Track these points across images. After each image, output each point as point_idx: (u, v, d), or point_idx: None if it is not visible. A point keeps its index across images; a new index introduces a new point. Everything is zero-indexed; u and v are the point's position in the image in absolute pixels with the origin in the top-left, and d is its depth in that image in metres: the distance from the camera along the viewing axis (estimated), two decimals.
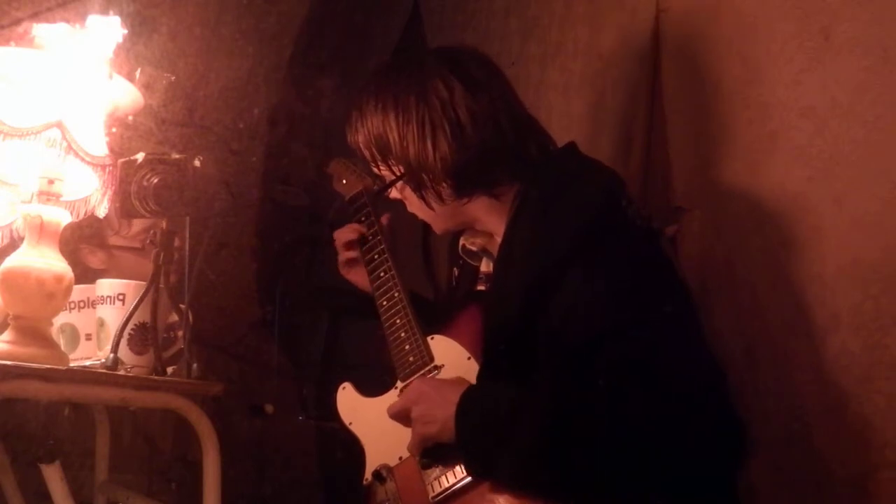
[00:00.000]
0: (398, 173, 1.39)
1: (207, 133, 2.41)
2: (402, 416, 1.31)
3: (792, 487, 1.31)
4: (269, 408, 2.16)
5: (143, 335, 1.56)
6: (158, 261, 1.55)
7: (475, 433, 1.20)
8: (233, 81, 2.47)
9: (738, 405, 1.14)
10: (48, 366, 1.35)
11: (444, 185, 1.35)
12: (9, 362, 1.32)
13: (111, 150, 1.51)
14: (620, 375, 1.13)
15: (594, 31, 1.88)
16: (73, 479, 1.57)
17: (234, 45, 2.48)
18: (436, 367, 1.35)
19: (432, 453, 1.28)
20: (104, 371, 1.48)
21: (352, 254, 1.57)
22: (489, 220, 1.40)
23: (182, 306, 1.60)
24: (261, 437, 2.43)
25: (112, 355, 1.50)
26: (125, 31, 1.51)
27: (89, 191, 1.51)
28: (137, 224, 1.92)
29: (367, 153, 1.41)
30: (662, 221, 1.55)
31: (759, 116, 1.43)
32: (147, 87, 2.05)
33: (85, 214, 1.51)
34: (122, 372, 1.51)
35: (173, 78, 2.18)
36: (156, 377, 1.53)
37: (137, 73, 1.92)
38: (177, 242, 1.60)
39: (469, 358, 1.33)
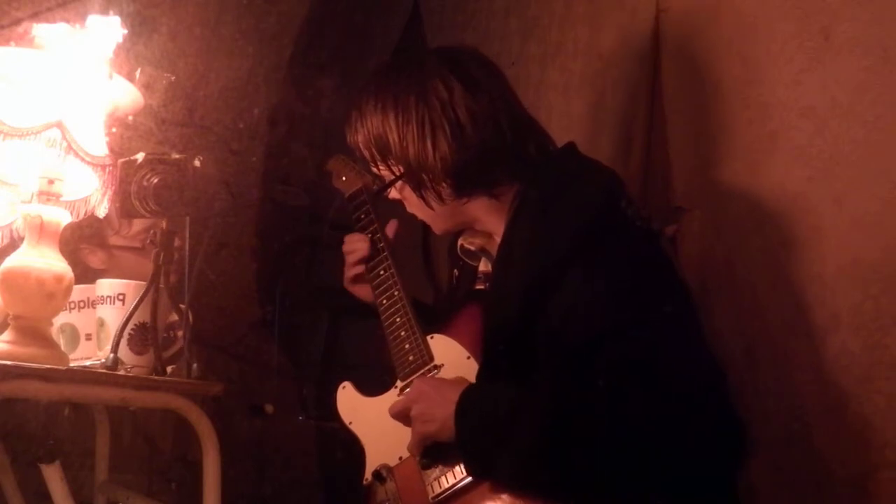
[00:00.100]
0: (398, 173, 1.39)
1: (207, 133, 2.41)
2: (402, 415, 1.31)
3: (792, 487, 1.31)
4: (269, 408, 2.16)
5: (143, 335, 1.56)
6: (158, 261, 1.55)
7: (474, 432, 1.20)
8: (233, 81, 2.47)
9: (738, 405, 1.14)
10: (48, 366, 1.35)
11: (443, 184, 1.35)
12: (9, 362, 1.32)
13: (111, 150, 1.51)
14: (620, 375, 1.13)
15: (594, 31, 1.88)
16: (73, 479, 1.57)
17: (234, 45, 2.47)
18: (435, 367, 1.35)
19: (432, 453, 1.28)
20: (104, 371, 1.48)
21: (360, 269, 1.56)
22: (488, 220, 1.40)
23: (182, 306, 1.60)
24: (261, 437, 2.43)
25: (112, 355, 1.50)
26: (125, 31, 1.51)
27: (89, 191, 1.50)
28: (138, 224, 1.92)
29: (366, 153, 1.41)
30: (662, 221, 1.55)
31: (759, 116, 1.43)
32: (147, 87, 2.05)
33: (85, 214, 1.51)
34: (122, 372, 1.51)
35: (173, 78, 2.18)
36: (156, 377, 1.53)
37: (137, 73, 1.92)
38: (177, 242, 1.60)
39: (469, 357, 1.33)
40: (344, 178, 1.65)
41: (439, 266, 2.12)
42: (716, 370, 1.16)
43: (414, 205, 1.43)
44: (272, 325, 2.33)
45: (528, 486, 1.17)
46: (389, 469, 1.35)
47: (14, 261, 1.41)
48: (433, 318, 1.45)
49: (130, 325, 1.54)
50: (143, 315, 1.55)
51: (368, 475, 1.37)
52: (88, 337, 1.66)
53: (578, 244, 1.22)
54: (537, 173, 1.34)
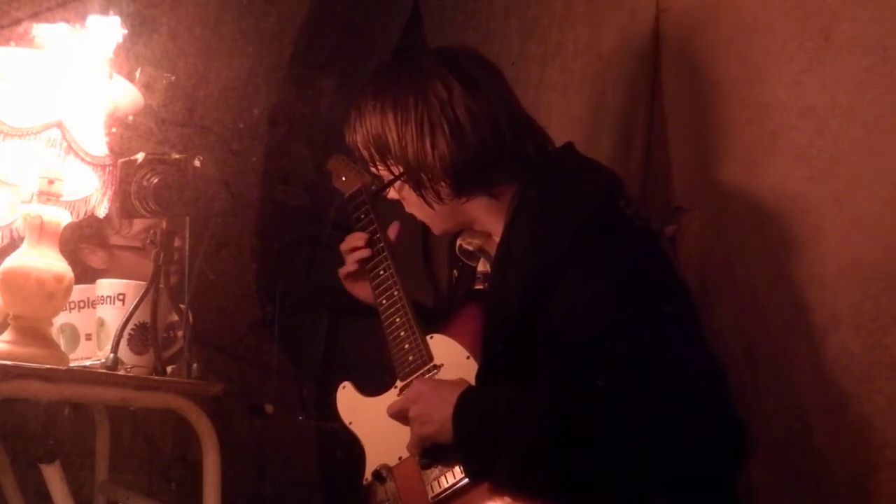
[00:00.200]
0: (397, 173, 1.39)
1: (207, 133, 2.41)
2: (401, 415, 1.31)
3: (792, 487, 1.31)
4: (269, 408, 2.16)
5: (143, 335, 1.56)
6: (158, 261, 1.55)
7: (473, 434, 1.20)
8: (233, 81, 2.47)
9: (738, 405, 1.14)
10: (48, 366, 1.35)
11: (442, 184, 1.35)
12: (9, 362, 1.32)
13: (111, 150, 1.51)
14: (620, 375, 1.13)
15: (594, 31, 1.88)
16: (73, 479, 1.57)
17: (234, 45, 2.47)
18: (435, 367, 1.35)
19: (432, 453, 1.28)
20: (104, 371, 1.48)
21: (355, 266, 1.56)
22: (487, 220, 1.40)
23: (182, 306, 1.60)
24: (261, 437, 2.42)
25: (112, 355, 1.50)
26: (125, 31, 1.51)
27: (89, 191, 1.50)
28: (138, 224, 1.92)
29: (365, 153, 1.41)
30: (662, 221, 1.55)
31: (759, 116, 1.43)
32: (147, 87, 2.05)
33: (85, 214, 1.51)
34: (122, 372, 1.51)
35: (173, 78, 2.17)
36: (156, 377, 1.53)
37: (137, 73, 1.91)
38: (177, 242, 1.60)
39: (468, 357, 1.33)
40: (344, 178, 1.65)
41: (439, 266, 2.12)
42: (716, 370, 1.16)
43: (413, 205, 1.43)
44: (272, 325, 2.33)
45: (526, 487, 1.17)
46: (389, 469, 1.35)
47: (14, 261, 1.41)
48: (432, 320, 1.45)
49: (130, 325, 1.54)
50: (143, 315, 1.55)
51: (368, 475, 1.37)
52: (88, 337, 1.66)
53: (577, 244, 1.22)
54: (536, 173, 1.34)
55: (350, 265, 1.56)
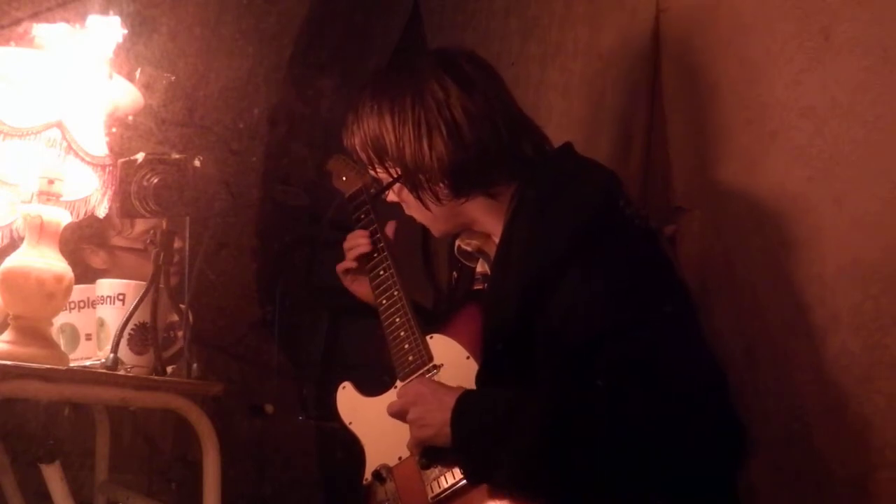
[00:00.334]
0: (395, 175, 1.39)
1: (207, 133, 2.41)
2: (401, 415, 1.31)
3: (792, 487, 1.31)
4: (269, 408, 2.16)
5: (143, 335, 1.56)
6: (158, 261, 1.55)
7: (471, 437, 1.20)
8: (233, 81, 2.47)
9: (738, 405, 1.14)
10: (48, 366, 1.35)
11: (441, 185, 1.35)
12: (9, 362, 1.32)
13: (111, 150, 1.51)
14: (620, 375, 1.13)
15: (594, 31, 1.88)
16: (73, 479, 1.57)
17: (234, 45, 2.47)
18: (435, 367, 1.35)
19: (431, 453, 1.28)
20: (104, 371, 1.48)
21: (354, 264, 1.56)
22: (487, 220, 1.40)
23: (182, 306, 1.60)
24: (261, 437, 2.42)
25: (112, 355, 1.50)
26: (125, 31, 1.51)
27: (89, 191, 1.50)
28: (140, 225, 1.92)
29: (363, 156, 1.41)
30: (662, 221, 1.55)
31: (759, 116, 1.43)
32: (147, 87, 2.05)
33: (85, 214, 1.51)
34: (122, 372, 1.51)
35: (173, 78, 2.18)
36: (156, 377, 1.53)
37: (137, 73, 1.91)
38: (177, 243, 1.60)
39: (468, 357, 1.33)
40: (344, 178, 1.65)
41: (439, 267, 2.12)
42: (716, 370, 1.16)
43: (412, 207, 1.43)
44: (272, 325, 2.32)
45: (525, 491, 1.17)
46: (389, 469, 1.35)
47: (14, 261, 1.41)
48: (432, 321, 1.45)
49: (130, 325, 1.54)
50: (143, 315, 1.55)
51: (368, 475, 1.37)
52: (88, 337, 1.66)
53: (577, 244, 1.22)
54: (535, 173, 1.34)
55: (348, 261, 1.56)
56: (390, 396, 1.39)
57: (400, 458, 1.34)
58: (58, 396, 1.41)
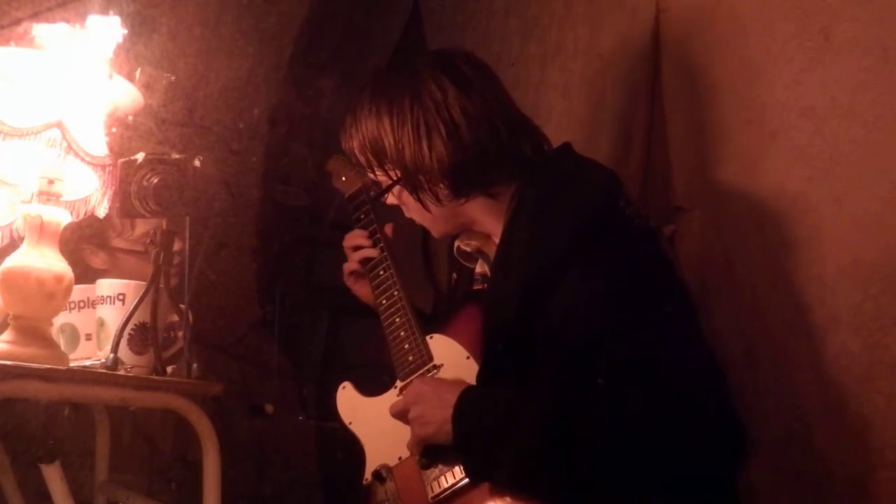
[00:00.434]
0: (394, 178, 1.39)
1: (207, 133, 2.41)
2: (403, 415, 1.31)
3: (792, 487, 1.31)
4: (269, 408, 2.16)
5: (143, 335, 1.56)
6: (158, 261, 1.55)
7: (472, 435, 1.20)
8: (233, 81, 2.47)
9: (738, 405, 1.14)
10: (48, 366, 1.35)
11: (441, 186, 1.35)
12: (9, 362, 1.32)
13: (111, 150, 1.51)
14: (620, 375, 1.13)
15: (594, 31, 1.88)
16: (73, 479, 1.57)
17: (234, 45, 2.47)
18: (435, 367, 1.35)
19: (432, 453, 1.28)
20: (104, 371, 1.48)
21: (357, 266, 1.56)
22: (486, 221, 1.40)
23: (182, 306, 1.60)
24: (261, 437, 2.43)
25: (112, 355, 1.50)
26: (125, 31, 1.51)
27: (89, 191, 1.51)
28: (140, 227, 1.92)
29: (362, 159, 1.41)
30: (662, 221, 1.55)
31: (759, 116, 1.43)
32: (147, 87, 2.05)
33: (85, 214, 1.51)
34: (122, 372, 1.51)
35: (173, 78, 2.18)
36: (156, 377, 1.53)
37: (137, 73, 1.92)
38: (177, 246, 1.60)
39: (468, 357, 1.33)
40: (344, 179, 1.65)
41: (439, 267, 2.12)
42: (716, 370, 1.16)
43: (412, 209, 1.43)
44: (272, 325, 2.33)
45: (526, 488, 1.17)
46: (389, 469, 1.35)
47: (14, 261, 1.41)
48: (432, 322, 1.45)
49: (130, 325, 1.54)
50: (143, 315, 1.55)
51: (368, 475, 1.37)
52: (88, 337, 1.66)
53: (577, 244, 1.22)
54: (534, 173, 1.34)
55: (353, 263, 1.56)
56: (390, 396, 1.39)
57: (400, 458, 1.34)
58: (58, 396, 1.41)
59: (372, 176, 1.45)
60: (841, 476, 1.24)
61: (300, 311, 2.46)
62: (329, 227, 1.70)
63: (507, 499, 1.19)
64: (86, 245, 1.93)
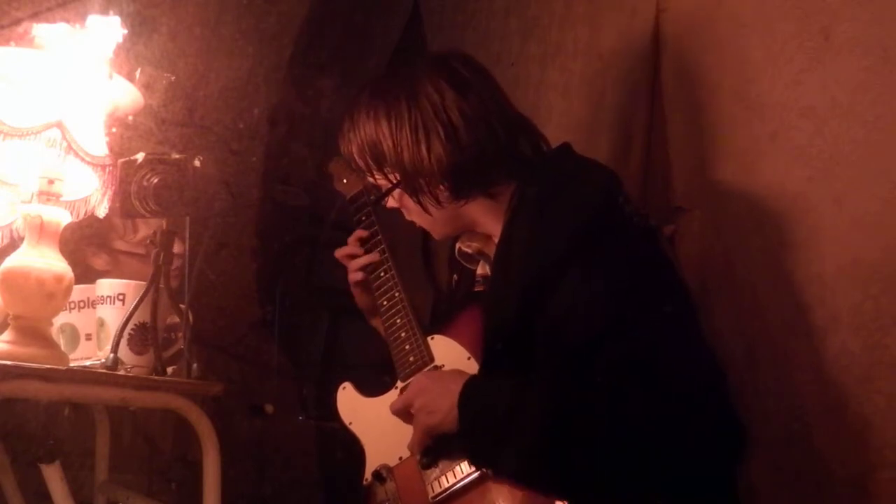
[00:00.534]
0: (394, 181, 1.39)
1: (207, 133, 2.41)
2: (404, 411, 1.31)
3: (792, 487, 1.31)
4: (269, 408, 2.16)
5: (143, 335, 1.56)
6: (158, 261, 1.55)
7: (477, 421, 1.20)
8: (233, 81, 2.47)
9: (738, 405, 1.14)
10: (48, 366, 1.35)
11: (440, 188, 1.35)
12: (9, 362, 1.32)
13: (111, 150, 1.51)
14: (620, 375, 1.13)
15: (594, 31, 1.88)
16: (73, 479, 1.57)
17: (234, 45, 2.47)
18: (436, 367, 1.35)
19: (432, 453, 1.28)
20: (104, 371, 1.48)
21: (361, 276, 1.54)
22: (486, 221, 1.40)
23: (182, 306, 1.60)
24: (261, 437, 2.43)
25: (112, 355, 1.50)
26: (125, 31, 1.51)
27: (89, 191, 1.51)
28: (143, 230, 1.93)
29: (361, 163, 1.41)
30: (662, 221, 1.55)
31: (759, 116, 1.43)
32: (147, 87, 2.05)
33: (85, 214, 1.51)
34: (122, 372, 1.51)
35: (173, 78, 2.18)
36: (156, 377, 1.53)
37: (137, 73, 1.92)
38: (177, 248, 1.60)
39: (469, 358, 1.33)
40: (345, 181, 1.65)
41: (439, 268, 2.12)
42: (716, 370, 1.16)
43: (413, 212, 1.43)
44: (272, 325, 2.33)
45: (531, 476, 1.17)
46: (389, 469, 1.35)
47: (14, 261, 1.41)
48: (433, 324, 1.45)
49: (130, 325, 1.54)
50: (143, 315, 1.55)
51: (368, 475, 1.37)
52: (88, 337, 1.66)
53: (576, 244, 1.22)
54: (534, 173, 1.34)
55: (356, 274, 1.54)
56: (391, 397, 1.39)
57: (400, 458, 1.34)
58: (58, 396, 1.41)
59: (371, 180, 1.45)
60: (841, 476, 1.24)
61: (300, 311, 2.46)
62: (329, 227, 1.70)
63: (507, 498, 1.19)
64: (87, 247, 1.93)
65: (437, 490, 1.27)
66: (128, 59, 1.72)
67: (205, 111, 2.39)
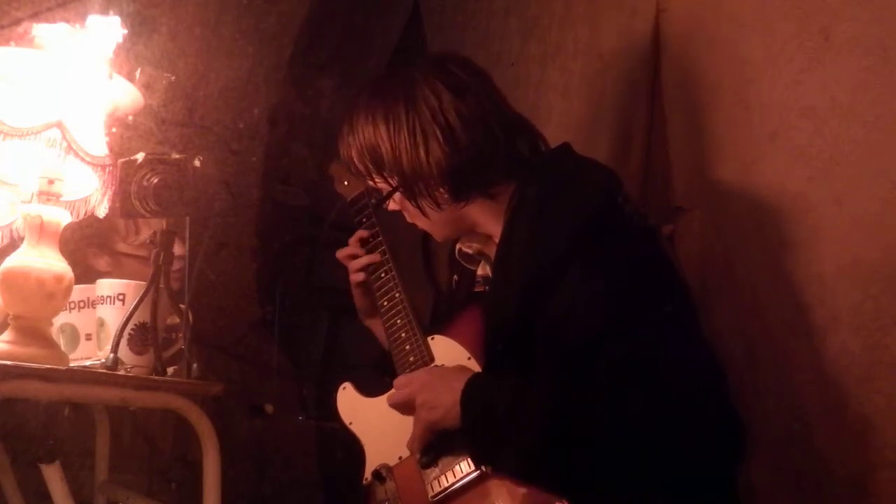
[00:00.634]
0: (394, 185, 1.39)
1: (207, 133, 2.41)
2: (404, 405, 1.31)
3: (792, 487, 1.31)
4: (269, 408, 2.16)
5: (143, 335, 1.56)
6: (158, 260, 1.55)
7: (480, 418, 1.21)
8: (233, 81, 2.47)
9: (738, 405, 1.14)
10: (48, 366, 1.35)
11: (440, 190, 1.35)
12: (9, 362, 1.32)
13: (111, 150, 1.51)
14: (620, 375, 1.13)
15: (594, 31, 1.88)
16: (73, 479, 1.57)
17: (234, 45, 2.47)
18: (436, 367, 1.35)
19: (432, 452, 1.28)
20: (104, 371, 1.48)
21: (362, 276, 1.54)
22: (487, 222, 1.40)
23: (182, 306, 1.60)
24: (261, 437, 2.43)
25: (112, 355, 1.50)
26: (125, 31, 1.51)
27: (89, 191, 1.51)
28: (144, 233, 1.93)
29: (360, 167, 1.42)
30: (662, 221, 1.55)
31: (759, 116, 1.43)
32: (147, 87, 2.05)
33: (85, 214, 1.51)
34: (122, 372, 1.51)
35: (173, 78, 2.18)
36: (156, 377, 1.53)
37: (137, 73, 1.92)
38: (178, 251, 1.60)
39: (469, 358, 1.33)
40: (346, 183, 1.65)
41: (440, 268, 2.12)
42: (715, 369, 1.16)
43: (413, 214, 1.43)
44: (272, 325, 2.33)
45: (533, 473, 1.17)
46: (389, 469, 1.35)
47: (14, 261, 1.41)
48: (434, 324, 1.45)
49: (130, 325, 1.54)
50: (143, 315, 1.55)
51: (368, 475, 1.37)
52: (88, 337, 1.66)
53: (576, 243, 1.22)
54: (533, 172, 1.34)
55: (357, 274, 1.54)
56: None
57: (400, 458, 1.34)
58: (58, 396, 1.41)
59: (371, 183, 1.46)
60: (841, 476, 1.24)
61: (300, 311, 2.46)
62: (330, 228, 1.70)
63: (507, 497, 1.20)
64: (89, 248, 1.93)
65: (437, 489, 1.27)
66: (128, 59, 1.72)
67: (205, 111, 2.39)
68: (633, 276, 1.22)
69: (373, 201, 1.55)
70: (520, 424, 1.16)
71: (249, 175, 2.56)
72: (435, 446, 1.28)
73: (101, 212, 1.51)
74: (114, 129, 1.57)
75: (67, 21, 1.46)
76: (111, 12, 1.52)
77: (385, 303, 1.47)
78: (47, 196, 1.44)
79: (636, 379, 1.12)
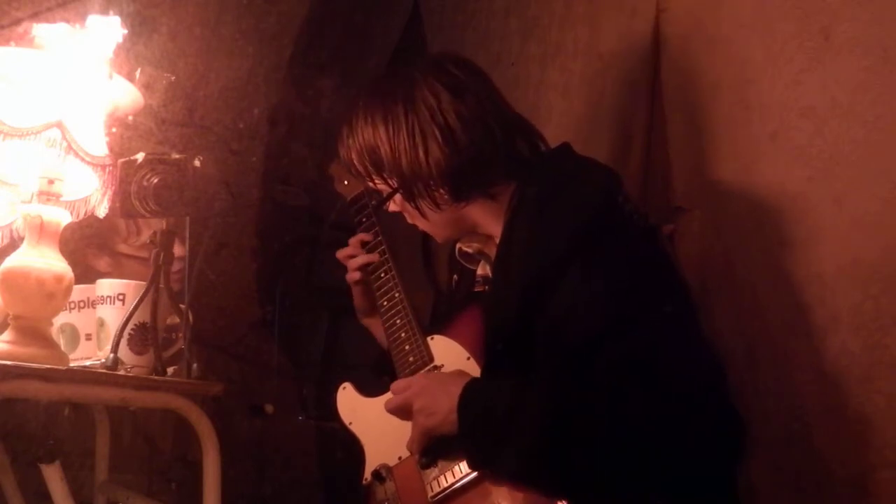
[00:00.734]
0: (394, 186, 1.39)
1: (207, 133, 2.41)
2: (402, 410, 1.31)
3: (792, 487, 1.31)
4: (269, 408, 2.16)
5: (143, 335, 1.56)
6: (158, 260, 1.55)
7: (477, 424, 1.20)
8: (233, 81, 2.47)
9: (738, 405, 1.14)
10: (48, 366, 1.35)
11: (440, 191, 1.35)
12: (9, 362, 1.32)
13: (111, 150, 1.51)
14: (620, 375, 1.13)
15: (594, 31, 1.88)
16: (73, 479, 1.57)
17: (234, 45, 2.48)
18: (435, 367, 1.35)
19: (431, 452, 1.28)
20: (104, 371, 1.48)
21: (359, 275, 1.54)
22: (487, 222, 1.40)
23: (182, 306, 1.60)
24: (261, 437, 2.43)
25: (112, 355, 1.50)
26: (125, 31, 1.51)
27: (89, 191, 1.51)
28: (145, 233, 1.93)
29: (360, 168, 1.42)
30: (662, 221, 1.55)
31: (759, 116, 1.43)
32: (147, 87, 2.05)
33: (85, 214, 1.51)
34: (122, 372, 1.51)
35: (173, 78, 2.18)
36: (156, 377, 1.53)
37: (137, 73, 1.92)
38: (178, 252, 1.60)
39: (469, 358, 1.33)
40: (346, 183, 1.65)
41: (440, 268, 2.12)
42: (715, 369, 1.16)
43: (413, 216, 1.43)
44: (272, 325, 2.33)
45: (530, 478, 1.17)
46: (389, 469, 1.35)
47: (14, 261, 1.41)
48: (434, 324, 1.45)
49: (130, 325, 1.54)
50: (143, 315, 1.55)
51: (368, 475, 1.37)
52: (88, 337, 1.66)
53: (577, 243, 1.22)
54: (533, 172, 1.34)
55: (354, 273, 1.54)
56: (390, 397, 1.39)
57: (400, 458, 1.34)
58: (58, 396, 1.41)
59: (371, 185, 1.46)
60: (841, 476, 1.24)
61: (300, 311, 2.46)
62: (330, 227, 1.70)
63: (507, 498, 1.19)
64: (89, 248, 1.93)
65: (437, 489, 1.27)
66: (128, 59, 1.72)
67: (205, 111, 2.40)
68: (633, 276, 1.22)
69: (373, 202, 1.55)
70: (518, 426, 1.16)
71: (249, 175, 2.56)
72: (434, 447, 1.28)
73: (101, 212, 1.52)
74: (114, 129, 1.57)
75: (67, 21, 1.46)
76: (111, 12, 1.52)
77: (385, 303, 1.47)
78: (47, 196, 1.44)
79: (636, 379, 1.12)
